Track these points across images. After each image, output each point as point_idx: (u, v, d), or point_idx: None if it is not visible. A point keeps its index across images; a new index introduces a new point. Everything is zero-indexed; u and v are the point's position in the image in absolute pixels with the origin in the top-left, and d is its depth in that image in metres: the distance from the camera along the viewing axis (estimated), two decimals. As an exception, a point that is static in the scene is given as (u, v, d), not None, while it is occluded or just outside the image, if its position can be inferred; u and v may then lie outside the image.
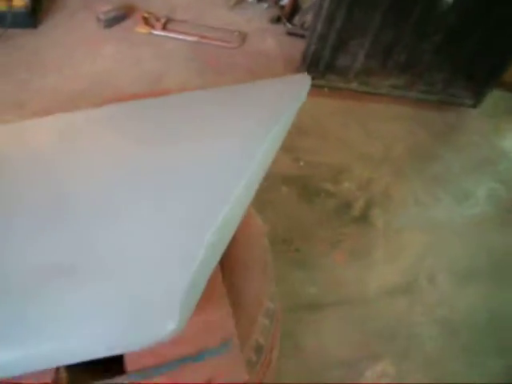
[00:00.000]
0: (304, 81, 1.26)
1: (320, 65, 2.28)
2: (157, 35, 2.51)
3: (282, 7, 2.65)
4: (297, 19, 2.63)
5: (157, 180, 0.86)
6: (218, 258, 0.75)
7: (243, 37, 2.58)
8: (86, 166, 0.95)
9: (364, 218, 2.03)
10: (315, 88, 2.38)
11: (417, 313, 1.83)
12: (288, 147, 2.19)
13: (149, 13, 2.57)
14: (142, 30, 2.49)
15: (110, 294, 0.65)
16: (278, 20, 2.66)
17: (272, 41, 2.60)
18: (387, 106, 2.44)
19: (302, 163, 2.15)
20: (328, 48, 2.21)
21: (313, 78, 2.29)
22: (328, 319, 1.75)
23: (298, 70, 2.33)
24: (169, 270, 0.68)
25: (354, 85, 2.38)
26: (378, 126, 2.36)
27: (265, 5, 2.73)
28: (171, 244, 0.72)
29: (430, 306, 1.86)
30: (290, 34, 2.61)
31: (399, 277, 1.92)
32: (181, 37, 2.50)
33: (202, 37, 2.51)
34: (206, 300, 0.74)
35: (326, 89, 2.39)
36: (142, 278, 0.67)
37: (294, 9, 2.63)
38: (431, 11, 2.11)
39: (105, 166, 0.95)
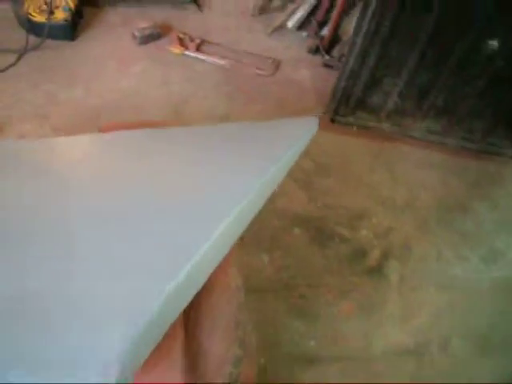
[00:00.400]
0: (311, 124, 1.21)
1: (350, 101, 2.18)
2: (189, 56, 2.48)
3: (322, 38, 2.56)
4: (335, 51, 2.54)
5: (134, 217, 0.80)
6: (179, 310, 0.67)
7: (277, 64, 2.51)
8: (74, 196, 0.90)
9: (378, 270, 1.90)
10: (343, 125, 2.28)
11: (424, 379, 1.68)
12: (306, 185, 2.09)
13: (184, 33, 2.54)
14: (176, 49, 2.47)
15: (45, 344, 0.58)
16: (316, 50, 2.58)
17: (307, 71, 2.52)
18: (420, 151, 2.30)
19: (319, 204, 2.04)
20: (360, 85, 2.10)
21: (342, 115, 2.24)
22: (325, 374, 1.63)
23: (327, 105, 2.23)
24: (114, 323, 0.59)
25: (385, 125, 2.26)
26: (407, 172, 2.22)
27: (304, 33, 2.65)
28: (122, 293, 0.64)
29: (440, 373, 1.71)
30: (326, 65, 2.52)
31: (409, 337, 1.77)
32: (214, 60, 2.46)
33: (236, 61, 2.46)
34: (157, 358, 0.68)
35: (354, 127, 2.28)
36: (82, 329, 0.59)
37: (334, 40, 2.54)
38: (474, 54, 1.97)
39: (92, 196, 0.90)
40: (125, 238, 0.75)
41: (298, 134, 1.18)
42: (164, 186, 0.93)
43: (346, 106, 2.20)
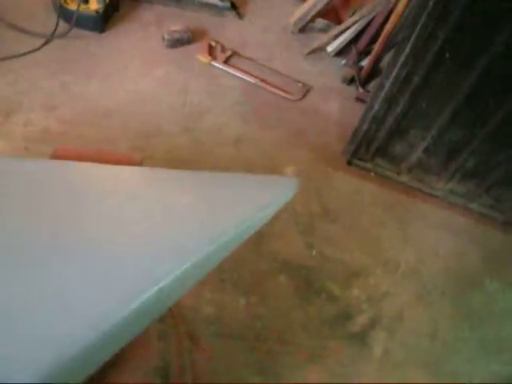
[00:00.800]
0: (290, 186, 1.08)
1: (371, 147, 2.00)
2: (216, 67, 2.36)
3: (360, 68, 2.38)
4: (372, 85, 2.35)
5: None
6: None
7: (306, 90, 2.35)
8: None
9: (361, 338, 1.73)
10: (360, 170, 2.11)
11: None
12: (306, 229, 1.94)
13: (216, 42, 2.42)
14: (203, 58, 2.35)
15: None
16: (351, 81, 2.40)
17: (336, 103, 2.35)
18: (439, 211, 2.09)
19: (314, 252, 1.89)
20: (383, 131, 1.92)
21: (360, 159, 2.07)
22: None
23: (346, 145, 2.07)
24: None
25: (405, 178, 2.07)
26: (421, 232, 2.02)
27: (343, 61, 2.47)
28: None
29: None
30: (358, 99, 2.33)
31: (379, 419, 1.61)
32: (240, 75, 2.33)
33: (262, 80, 2.32)
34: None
35: (372, 173, 2.10)
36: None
37: (373, 73, 2.35)
38: (516, 121, 1.77)
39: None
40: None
41: (274, 194, 1.06)
42: (108, 230, 0.83)
43: (365, 151, 2.02)
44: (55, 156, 1.15)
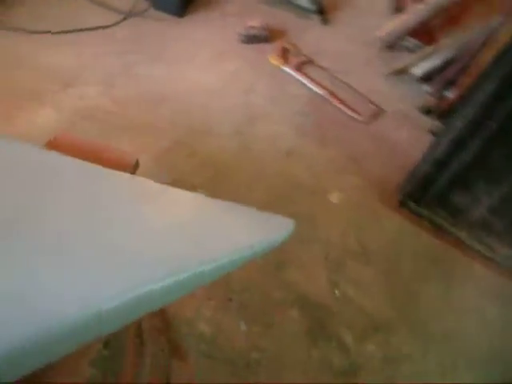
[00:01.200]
0: (285, 226, 0.95)
1: (429, 192, 1.77)
2: (286, 72, 2.22)
3: (443, 99, 2.12)
4: (452, 120, 2.09)
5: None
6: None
7: (377, 113, 2.14)
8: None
9: (365, 401, 1.54)
10: (414, 215, 1.88)
11: None
12: (334, 265, 1.77)
13: (293, 45, 2.28)
14: (274, 61, 2.22)
15: None
16: (429, 111, 2.15)
17: (407, 132, 2.11)
18: (495, 278, 1.81)
19: (337, 292, 1.71)
20: (445, 176, 1.69)
21: (415, 202, 1.84)
22: None
23: (402, 184, 1.85)
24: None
25: (462, 234, 1.81)
26: (467, 297, 1.76)
27: (427, 88, 2.22)
28: None
29: None
30: (432, 133, 2.09)
31: None
32: (309, 84, 2.17)
33: (332, 94, 2.15)
34: None
35: (426, 221, 1.86)
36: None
37: (455, 107, 2.09)
38: None
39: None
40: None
41: (266, 233, 0.93)
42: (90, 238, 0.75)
43: (422, 195, 1.79)
44: (51, 144, 1.08)
